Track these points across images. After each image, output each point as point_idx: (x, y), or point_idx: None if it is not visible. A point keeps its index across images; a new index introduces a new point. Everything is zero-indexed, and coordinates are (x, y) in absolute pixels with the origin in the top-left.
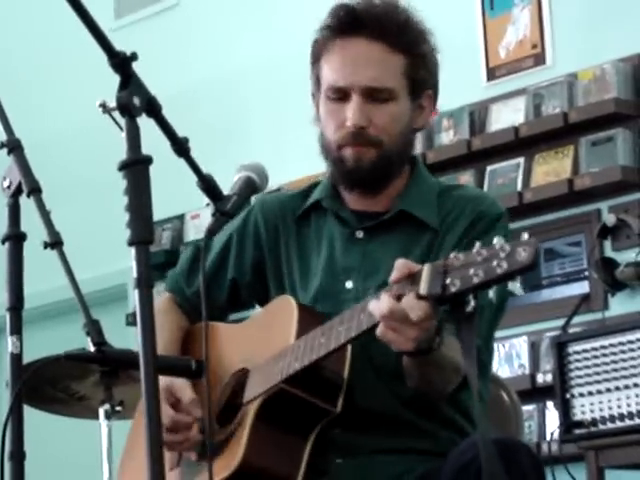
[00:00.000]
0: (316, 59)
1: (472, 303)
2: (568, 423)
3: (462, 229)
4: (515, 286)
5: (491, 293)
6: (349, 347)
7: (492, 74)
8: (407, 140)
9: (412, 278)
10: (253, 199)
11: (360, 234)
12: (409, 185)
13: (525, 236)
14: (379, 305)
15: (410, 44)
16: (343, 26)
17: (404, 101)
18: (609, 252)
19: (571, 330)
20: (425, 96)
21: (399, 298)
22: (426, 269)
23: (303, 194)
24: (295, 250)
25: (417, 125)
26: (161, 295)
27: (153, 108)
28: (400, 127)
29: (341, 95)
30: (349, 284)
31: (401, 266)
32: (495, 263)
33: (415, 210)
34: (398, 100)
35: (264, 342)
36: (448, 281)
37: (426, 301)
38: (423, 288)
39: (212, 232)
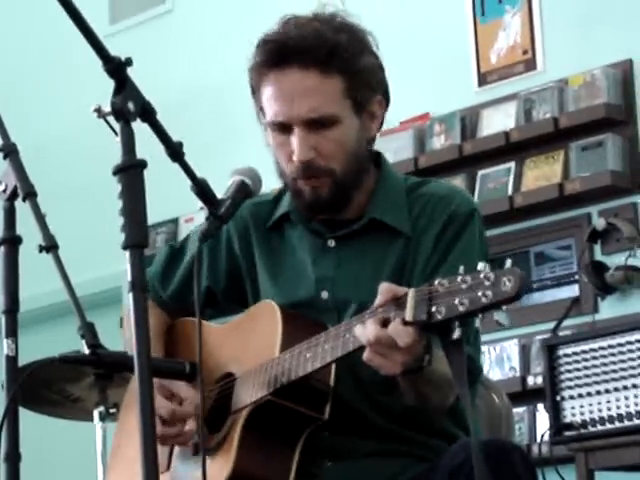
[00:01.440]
0: (255, 90)
1: (458, 330)
2: (558, 425)
3: (435, 233)
4: (501, 316)
5: (477, 322)
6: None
7: (483, 79)
8: (361, 155)
9: (397, 302)
10: None
11: (332, 243)
12: (377, 189)
13: (508, 264)
14: (365, 332)
15: (345, 64)
16: (274, 60)
17: (349, 121)
18: (599, 256)
19: (561, 333)
20: (374, 103)
21: (384, 324)
22: (411, 295)
23: (274, 201)
24: (268, 260)
25: (371, 134)
26: None
27: (147, 113)
28: (350, 147)
29: (284, 128)
30: (324, 294)
31: (385, 290)
32: (480, 293)
33: (385, 217)
34: (342, 122)
35: (249, 348)
36: (434, 309)
37: (412, 327)
38: (409, 314)
39: (206, 235)
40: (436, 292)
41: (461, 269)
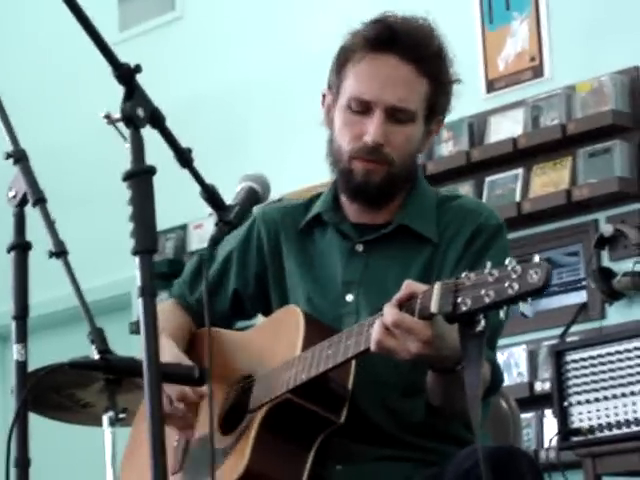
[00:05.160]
0: (341, 66)
1: (482, 323)
2: (566, 431)
3: (462, 243)
4: (526, 307)
5: (502, 314)
6: (354, 360)
7: (491, 86)
8: (414, 161)
9: (423, 295)
10: (255, 209)
11: (360, 247)
12: (409, 198)
13: (536, 258)
14: (384, 313)
15: (438, 72)
16: (379, 40)
17: (420, 125)
18: (606, 262)
19: (569, 339)
20: (435, 121)
21: (408, 312)
22: (437, 287)
23: (305, 206)
24: (296, 262)
25: (424, 148)
26: (165, 300)
27: (157, 119)
28: (412, 149)
29: (364, 108)
30: (349, 297)
31: (405, 286)
32: (507, 284)
33: (414, 224)
34: (416, 123)
35: (270, 351)
36: (459, 300)
37: (431, 320)
38: (434, 306)
39: (215, 241)
40: (462, 285)
41: (488, 264)
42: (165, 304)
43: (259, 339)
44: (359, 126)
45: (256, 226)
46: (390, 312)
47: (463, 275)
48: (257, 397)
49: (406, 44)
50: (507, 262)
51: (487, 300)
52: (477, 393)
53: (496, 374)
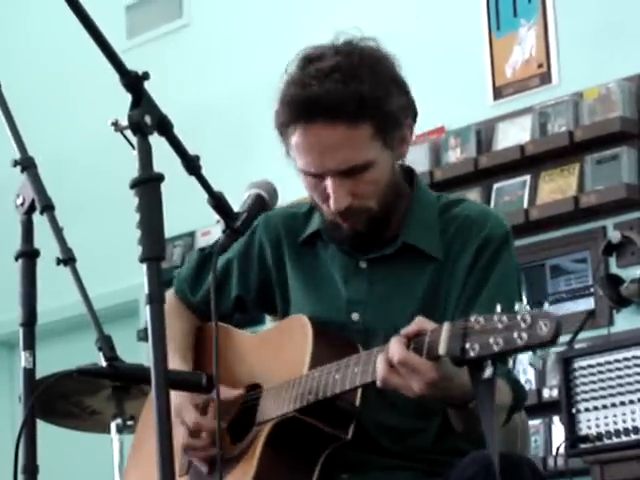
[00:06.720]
0: (281, 132)
1: (490, 370)
2: (574, 438)
3: (470, 257)
4: (535, 360)
5: (511, 363)
6: None
7: (499, 93)
8: (396, 181)
9: (432, 334)
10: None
11: (364, 264)
12: (411, 210)
13: (546, 306)
14: (390, 350)
15: (373, 112)
16: (299, 117)
17: (382, 158)
18: (614, 269)
19: (577, 346)
20: (403, 129)
21: (415, 351)
22: (446, 328)
23: (306, 215)
24: (301, 274)
25: (402, 154)
26: (168, 293)
27: (164, 126)
28: (385, 181)
29: (317, 175)
30: (355, 316)
31: (415, 322)
32: (516, 334)
33: (418, 242)
34: (376, 163)
35: (279, 361)
36: (467, 345)
37: (438, 362)
38: (442, 348)
39: (223, 248)
40: (471, 329)
41: (498, 307)
42: (169, 302)
43: (268, 346)
44: (321, 189)
45: (258, 235)
46: (396, 350)
47: (472, 318)
48: (264, 411)
49: (327, 108)
50: (517, 308)
51: (495, 348)
52: (493, 437)
53: (518, 392)
